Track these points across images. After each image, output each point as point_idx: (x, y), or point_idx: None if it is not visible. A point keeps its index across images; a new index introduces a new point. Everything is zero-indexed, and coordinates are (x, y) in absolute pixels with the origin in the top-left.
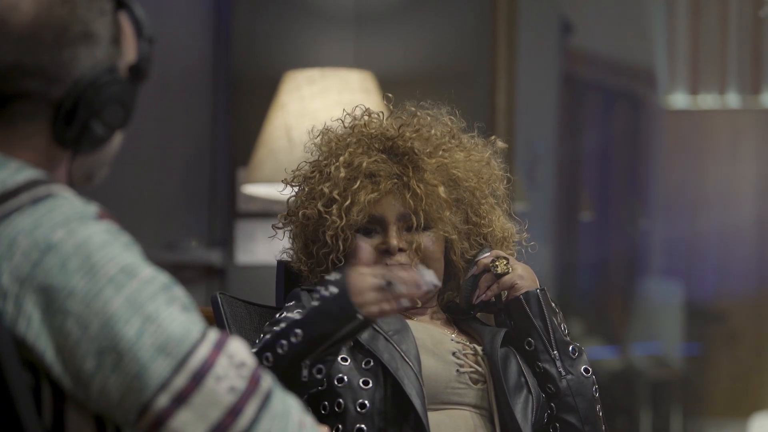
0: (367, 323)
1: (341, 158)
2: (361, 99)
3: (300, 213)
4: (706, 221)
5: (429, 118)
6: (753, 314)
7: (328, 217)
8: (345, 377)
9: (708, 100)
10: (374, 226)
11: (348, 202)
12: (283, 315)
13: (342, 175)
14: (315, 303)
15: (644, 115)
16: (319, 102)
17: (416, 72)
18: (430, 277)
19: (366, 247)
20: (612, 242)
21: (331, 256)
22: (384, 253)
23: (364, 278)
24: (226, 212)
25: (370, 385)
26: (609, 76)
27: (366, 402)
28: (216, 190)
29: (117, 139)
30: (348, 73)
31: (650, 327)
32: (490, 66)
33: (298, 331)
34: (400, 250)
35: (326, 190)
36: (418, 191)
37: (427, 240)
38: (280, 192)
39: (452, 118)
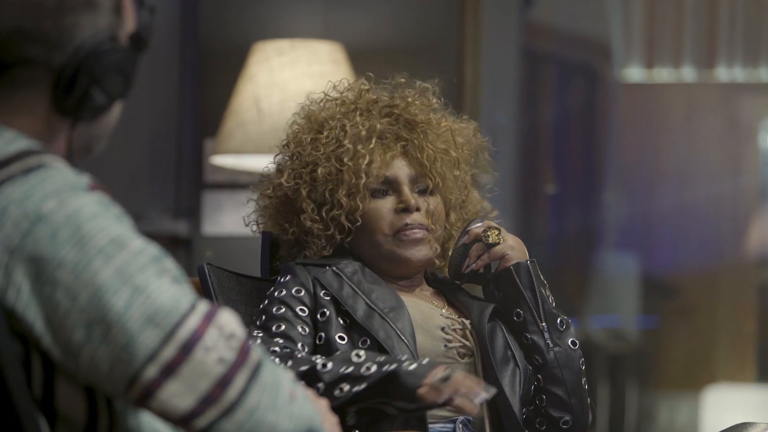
0: (414, 409)
1: (356, 118)
2: (331, 70)
3: (320, 172)
4: (662, 195)
5: (420, 88)
6: (707, 288)
7: (349, 174)
8: None
9: (663, 74)
10: (386, 187)
11: (367, 160)
12: (282, 293)
13: (363, 133)
14: (392, 365)
15: (600, 89)
16: (288, 73)
17: (385, 44)
18: (482, 398)
19: (382, 208)
20: (569, 215)
21: (342, 218)
22: (403, 212)
23: (439, 370)
24: (193, 183)
25: None
26: (566, 50)
27: None
28: (183, 161)
29: (116, 110)
30: (317, 44)
31: (608, 300)
32: (457, 39)
33: (364, 385)
34: (417, 209)
35: (349, 146)
36: (432, 153)
37: (435, 204)
38: (276, 155)
39: (438, 100)
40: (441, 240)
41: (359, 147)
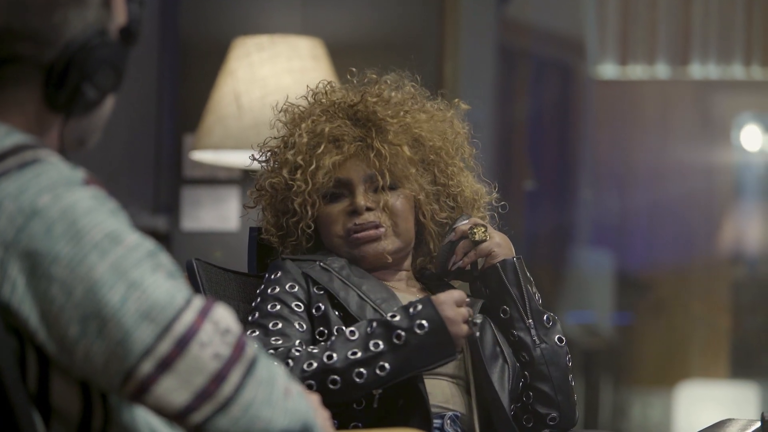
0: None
1: (303, 125)
2: (311, 66)
3: (267, 183)
4: (636, 191)
5: (390, 83)
6: (681, 285)
7: (293, 183)
8: None
9: (637, 71)
10: (341, 190)
11: (313, 167)
12: (275, 290)
13: (305, 140)
14: (401, 336)
15: (574, 86)
16: (268, 69)
17: (365, 39)
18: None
19: (334, 212)
20: (544, 212)
21: (300, 225)
22: (352, 214)
23: (452, 308)
24: (172, 178)
25: None
26: (541, 47)
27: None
28: (162, 156)
29: (109, 103)
30: (297, 40)
31: (582, 296)
32: (437, 34)
33: (386, 364)
34: (368, 209)
35: (290, 157)
36: (383, 151)
37: (394, 199)
38: (249, 164)
39: (414, 85)
40: (408, 232)
41: (299, 158)
